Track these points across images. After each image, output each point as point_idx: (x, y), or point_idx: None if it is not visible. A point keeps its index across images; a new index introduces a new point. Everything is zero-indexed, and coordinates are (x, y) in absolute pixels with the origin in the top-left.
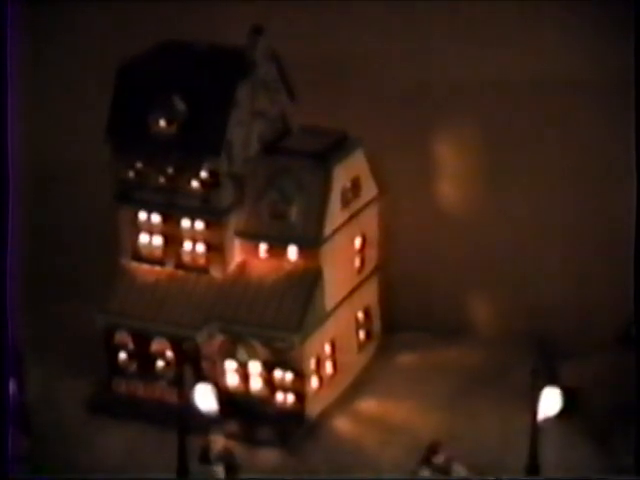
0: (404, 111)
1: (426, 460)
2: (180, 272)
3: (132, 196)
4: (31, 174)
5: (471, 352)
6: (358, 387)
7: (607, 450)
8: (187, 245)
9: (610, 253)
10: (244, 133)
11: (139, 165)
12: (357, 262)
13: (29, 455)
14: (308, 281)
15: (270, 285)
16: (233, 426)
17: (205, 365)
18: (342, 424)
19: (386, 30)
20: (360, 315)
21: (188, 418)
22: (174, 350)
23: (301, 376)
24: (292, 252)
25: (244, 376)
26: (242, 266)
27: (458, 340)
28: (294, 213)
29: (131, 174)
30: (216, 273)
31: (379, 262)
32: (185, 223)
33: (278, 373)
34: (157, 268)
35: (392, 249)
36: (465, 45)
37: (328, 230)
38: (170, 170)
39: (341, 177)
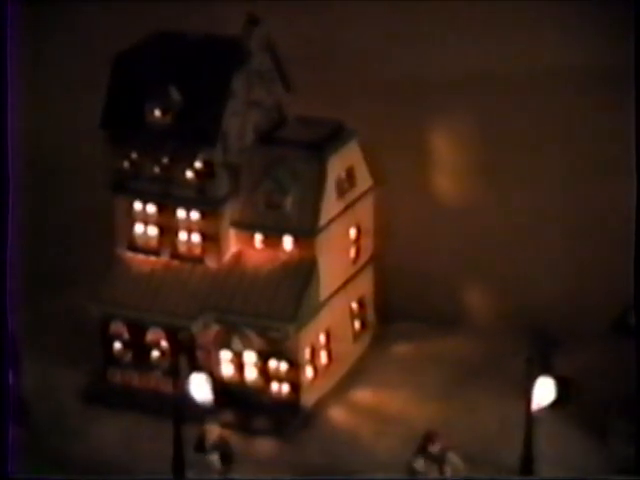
0: (401, 104)
1: (421, 450)
2: (175, 262)
3: (127, 186)
4: (30, 171)
5: (466, 342)
6: (353, 377)
7: (602, 439)
8: (182, 235)
9: (606, 243)
10: (239, 123)
11: (134, 155)
12: (352, 252)
13: (26, 446)
14: (303, 271)
15: (265, 275)
16: (228, 416)
17: (200, 355)
18: (337, 414)
19: (386, 26)
20: (355, 305)
21: (183, 408)
22: (169, 340)
23: (296, 366)
24: (287, 242)
25: (239, 366)
26: (237, 256)
27: (453, 330)
28: (289, 203)
29: (126, 164)
30: (211, 263)
31: (374, 252)
32: (180, 213)
33: (273, 363)
34: (152, 258)
35: (388, 240)
36: (465, 41)
37: (323, 220)
38: (165, 160)
39: (336, 167)
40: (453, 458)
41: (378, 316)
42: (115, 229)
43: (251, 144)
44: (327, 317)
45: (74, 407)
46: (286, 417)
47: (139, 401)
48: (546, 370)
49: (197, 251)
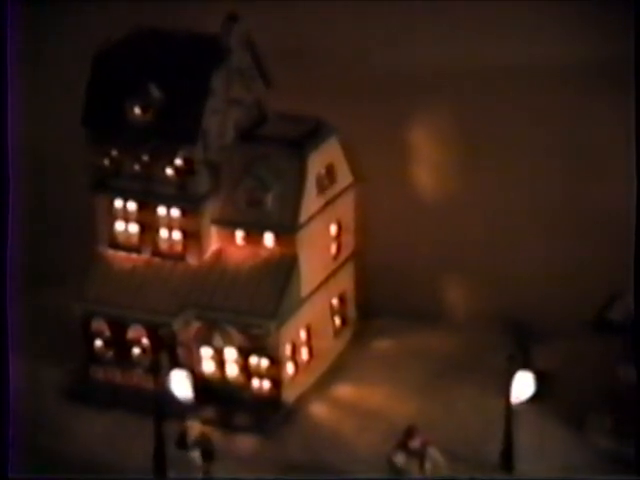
0: (382, 101)
1: (402, 445)
2: (157, 259)
3: (108, 184)
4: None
5: (447, 338)
6: (334, 373)
7: (581, 433)
8: (163, 232)
9: (588, 238)
10: (220, 121)
11: (114, 153)
12: (333, 249)
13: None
14: (284, 268)
15: (246, 272)
16: (210, 412)
17: (181, 352)
18: (318, 410)
19: (367, 19)
20: (336, 301)
21: (164, 404)
22: (150, 337)
23: (277, 362)
24: (268, 239)
25: (220, 362)
26: (218, 253)
27: (434, 326)
28: (270, 200)
29: (107, 162)
30: (192, 260)
31: (355, 249)
32: (161, 211)
33: (254, 359)
34: (134, 255)
35: (368, 236)
36: (447, 35)
37: (304, 217)
38: (146, 158)
39: (316, 164)
40: (433, 453)
41: (359, 312)
42: (96, 227)
43: (231, 141)
44: (308, 313)
45: (58, 405)
46: (267, 413)
47: (121, 398)
48: (526, 365)
49: (178, 248)
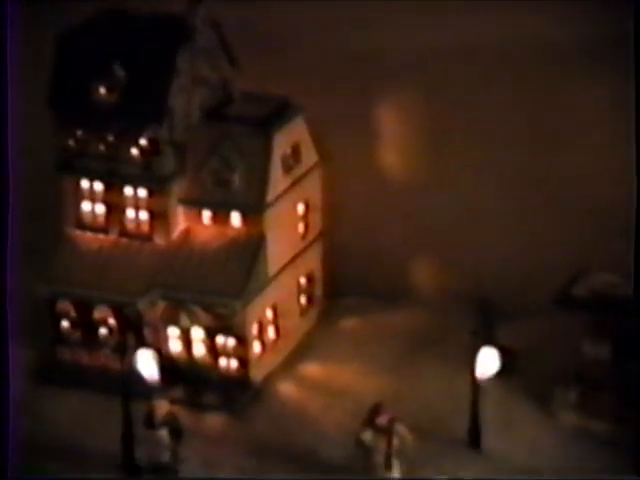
0: (348, 80)
1: (369, 422)
2: (124, 240)
3: (74, 164)
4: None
5: (413, 316)
6: (301, 352)
7: (548, 409)
8: (130, 213)
9: (554, 216)
10: (185, 100)
11: (80, 133)
12: (300, 228)
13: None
14: (251, 247)
15: (213, 251)
16: (177, 392)
17: (147, 332)
18: (286, 389)
19: (333, 1)
20: (303, 280)
21: (132, 384)
22: (116, 317)
23: (243, 342)
24: (235, 218)
25: (187, 342)
26: (185, 233)
27: (401, 305)
28: (236, 179)
29: (72, 143)
30: (159, 240)
31: (323, 228)
32: (127, 191)
33: (220, 339)
34: (100, 236)
35: (336, 216)
36: (418, 16)
37: (270, 196)
38: (111, 138)
39: (282, 144)
40: (401, 430)
41: (326, 291)
42: (63, 207)
43: (197, 121)
44: (275, 293)
45: (26, 386)
46: (235, 393)
47: (89, 379)
48: (490, 341)
49: (145, 228)
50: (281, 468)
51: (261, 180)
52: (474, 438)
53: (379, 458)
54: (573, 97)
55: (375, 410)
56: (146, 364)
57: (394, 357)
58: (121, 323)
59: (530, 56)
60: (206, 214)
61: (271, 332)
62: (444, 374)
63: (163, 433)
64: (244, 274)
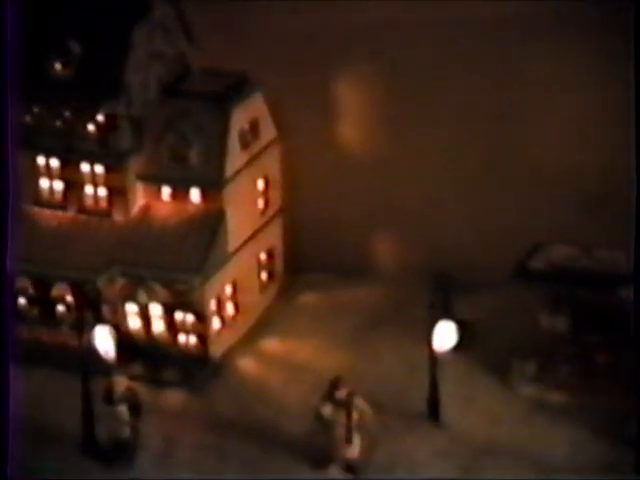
0: (307, 56)
1: (328, 396)
2: (82, 216)
3: (30, 141)
4: None
5: (373, 291)
6: (261, 327)
7: (506, 382)
8: (88, 189)
9: (512, 190)
10: (142, 75)
11: (36, 109)
12: (260, 204)
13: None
14: (211, 223)
15: (173, 228)
16: (137, 368)
17: (106, 309)
18: (246, 364)
19: None
20: (263, 256)
21: (91, 361)
22: (75, 295)
23: (202, 318)
24: (195, 194)
25: (145, 319)
26: (145, 209)
27: (361, 280)
28: (194, 155)
29: (29, 119)
30: (118, 217)
31: (283, 204)
32: (84, 167)
33: (179, 315)
34: (59, 213)
35: (296, 191)
36: None
37: (229, 172)
38: (67, 114)
39: (240, 119)
40: (360, 403)
41: (287, 267)
42: (21, 184)
43: (154, 96)
44: (234, 269)
45: None
46: (194, 369)
47: (48, 356)
48: (448, 315)
49: (104, 205)
50: (241, 443)
51: (219, 156)
52: (433, 411)
53: (339, 432)
54: (530, 72)
55: (334, 384)
56: (103, 340)
57: (353, 332)
58: (79, 300)
59: (489, 31)
60: (165, 190)
61: (230, 308)
62: (403, 348)
63: (122, 409)
64: (203, 250)
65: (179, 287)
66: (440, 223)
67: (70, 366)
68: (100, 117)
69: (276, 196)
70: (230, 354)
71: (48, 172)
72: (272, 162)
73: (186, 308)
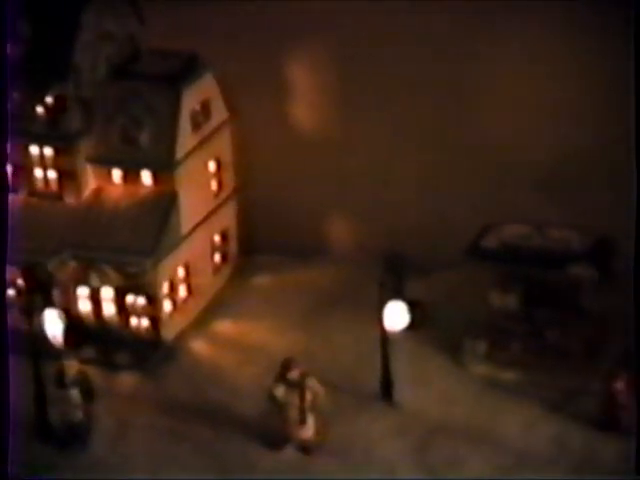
0: (259, 36)
1: (281, 377)
2: (33, 199)
3: None
4: None
5: (326, 272)
6: (214, 309)
7: (459, 361)
8: (38, 172)
9: (466, 170)
10: (91, 56)
11: None
12: (213, 185)
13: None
14: (163, 206)
15: (124, 211)
16: (88, 351)
17: (57, 292)
18: (199, 346)
19: None
20: (217, 238)
21: (43, 345)
22: (25, 278)
23: (154, 300)
24: (146, 177)
25: (97, 302)
26: (97, 192)
27: (315, 261)
28: (145, 137)
29: None
30: (70, 200)
31: (237, 185)
32: (34, 150)
33: (130, 298)
34: (10, 196)
35: (250, 173)
36: None
37: (180, 154)
38: (16, 96)
39: (190, 100)
40: (312, 384)
41: (241, 248)
42: None
43: (104, 78)
44: (187, 251)
45: None
46: (147, 352)
47: None
48: (398, 294)
49: (54, 188)
50: (194, 425)
51: (170, 138)
52: (386, 391)
53: (293, 412)
54: (490, 52)
55: (286, 365)
56: (52, 324)
57: (306, 313)
58: (30, 284)
59: (442, 8)
60: (116, 173)
61: (183, 290)
62: (356, 329)
63: (74, 393)
64: (155, 233)
65: (131, 270)
66: (394, 203)
67: (21, 350)
68: (49, 99)
69: (229, 178)
70: (183, 336)
71: None
72: (224, 143)
73: (138, 291)
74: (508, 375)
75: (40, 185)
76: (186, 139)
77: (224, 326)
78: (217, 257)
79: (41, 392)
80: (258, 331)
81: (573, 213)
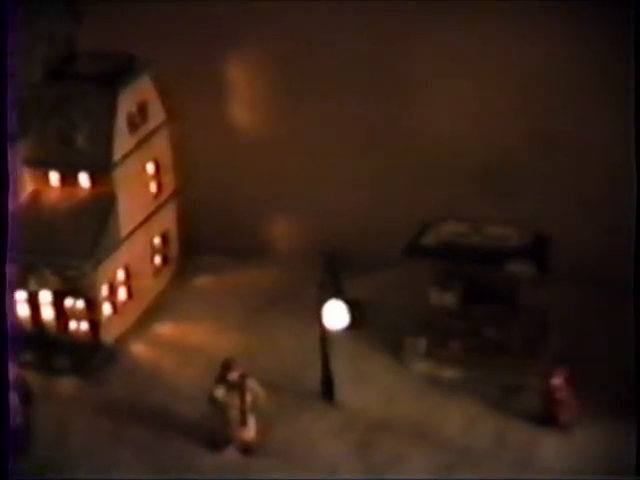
0: (195, 36)
1: (221, 378)
2: None
3: None
4: None
5: (268, 272)
6: (155, 312)
7: (399, 359)
8: None
9: (405, 168)
10: (26, 57)
11: None
12: (152, 187)
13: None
14: (101, 208)
15: (62, 213)
16: (27, 356)
17: None
18: (139, 349)
19: None
20: (158, 240)
21: None
22: None
23: (93, 303)
24: (84, 179)
25: (35, 306)
26: (34, 195)
27: (255, 262)
28: (82, 139)
29: None
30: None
31: (176, 187)
32: None
33: (69, 301)
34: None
35: (189, 174)
36: None
37: (118, 155)
38: None
39: (127, 102)
40: (252, 385)
41: (182, 250)
42: None
43: (40, 79)
44: (127, 253)
45: None
46: (86, 355)
47: None
48: (337, 294)
49: None
50: (135, 427)
51: (107, 139)
52: (327, 390)
53: (234, 414)
54: (426, 50)
55: (226, 366)
56: None
57: (247, 314)
58: None
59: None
60: (54, 175)
61: (123, 293)
62: (297, 329)
63: (13, 397)
64: (94, 235)
65: (70, 273)
66: (334, 203)
67: None
68: None
69: (168, 179)
70: (123, 339)
71: None
72: (163, 145)
73: (77, 294)
74: (448, 372)
75: None
76: (123, 141)
77: (165, 328)
78: (157, 259)
79: None
80: (199, 333)
81: (510, 210)
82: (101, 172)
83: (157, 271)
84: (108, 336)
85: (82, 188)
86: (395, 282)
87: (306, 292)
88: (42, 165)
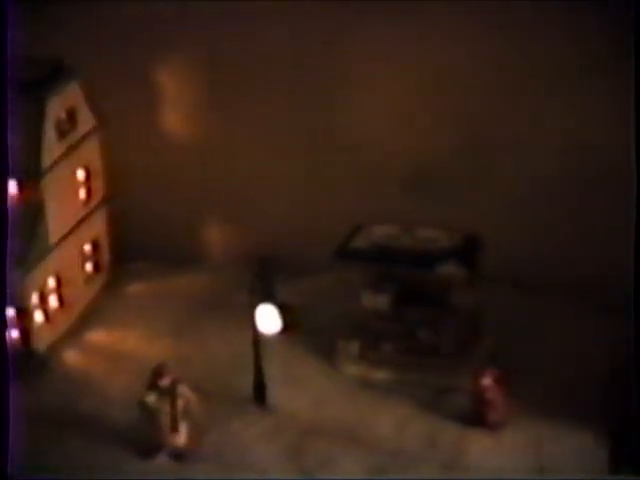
0: (128, 40)
1: (152, 385)
2: None
3: None
4: None
5: (199, 278)
6: (87, 319)
7: (332, 362)
8: None
9: (338, 173)
10: None
11: None
12: (82, 194)
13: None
14: (30, 215)
15: None
16: None
17: None
18: (71, 356)
19: None
20: (88, 247)
21: None
22: None
23: (24, 312)
24: (11, 186)
25: None
26: None
27: (187, 267)
28: (9, 146)
29: None
30: None
31: (107, 193)
32: None
33: None
34: None
35: (121, 180)
36: None
37: (46, 162)
38: None
39: (56, 108)
40: (184, 390)
41: (114, 257)
42: None
43: None
44: (57, 261)
45: None
46: (18, 363)
47: None
48: (269, 298)
49: None
50: (66, 435)
51: (35, 146)
52: (259, 395)
53: (165, 420)
54: (361, 51)
55: (157, 372)
56: None
57: (179, 320)
58: None
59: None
60: None
61: (54, 301)
62: (229, 334)
63: None
64: (23, 243)
65: None
66: (267, 208)
67: None
68: None
69: (99, 186)
70: (55, 347)
71: None
72: (92, 152)
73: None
74: (380, 375)
75: None
76: (52, 148)
77: (97, 335)
78: (89, 266)
79: None
80: (130, 339)
81: (444, 212)
82: (29, 179)
83: (88, 278)
84: (39, 344)
85: (10, 195)
86: (328, 286)
87: (239, 297)
88: None
